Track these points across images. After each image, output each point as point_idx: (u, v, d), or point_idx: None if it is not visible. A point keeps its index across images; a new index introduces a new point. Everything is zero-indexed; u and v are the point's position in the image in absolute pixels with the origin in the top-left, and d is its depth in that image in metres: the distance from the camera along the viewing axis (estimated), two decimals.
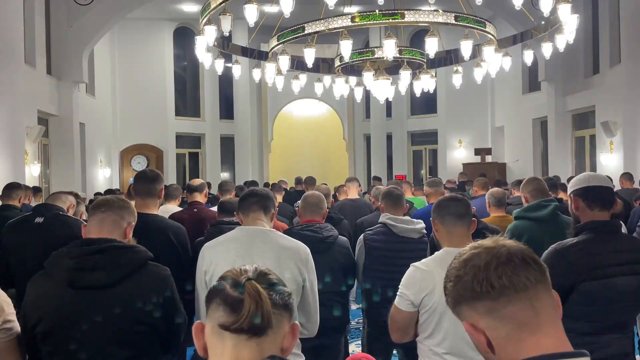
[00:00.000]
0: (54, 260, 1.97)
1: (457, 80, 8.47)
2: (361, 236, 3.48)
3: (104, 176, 13.35)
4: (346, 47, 6.28)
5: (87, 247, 1.95)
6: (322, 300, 2.62)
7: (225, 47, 8.42)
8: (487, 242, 1.03)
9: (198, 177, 11.15)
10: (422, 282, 2.15)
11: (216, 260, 2.28)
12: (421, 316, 2.18)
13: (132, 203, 2.32)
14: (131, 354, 1.93)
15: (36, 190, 7.65)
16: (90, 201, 9.16)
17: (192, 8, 13.45)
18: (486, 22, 6.61)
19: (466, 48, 6.71)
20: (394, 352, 3.54)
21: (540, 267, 0.99)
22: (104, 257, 1.92)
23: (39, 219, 3.33)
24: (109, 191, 8.89)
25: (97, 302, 1.88)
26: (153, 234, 2.83)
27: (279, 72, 7.88)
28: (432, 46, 6.40)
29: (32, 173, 9.32)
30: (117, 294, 1.90)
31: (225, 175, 15.67)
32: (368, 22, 6.16)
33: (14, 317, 1.98)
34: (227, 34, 6.62)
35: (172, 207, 4.67)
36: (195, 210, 4.35)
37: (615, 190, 2.55)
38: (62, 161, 10.78)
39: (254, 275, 1.09)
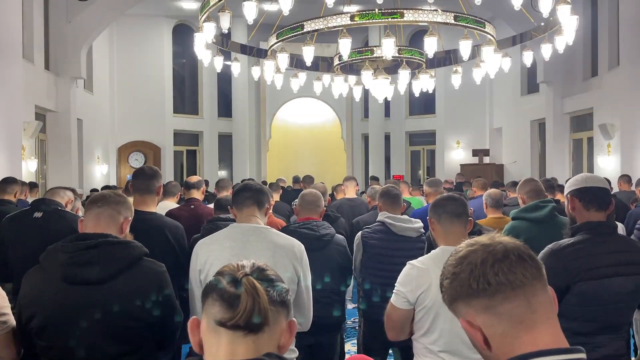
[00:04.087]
0: (49, 255, 1.96)
1: (456, 80, 8.47)
2: (359, 234, 3.48)
3: (101, 172, 13.32)
4: (345, 46, 6.27)
5: (81, 242, 1.94)
6: (318, 298, 2.61)
7: (224, 44, 8.41)
8: (483, 238, 1.02)
9: (195, 175, 11.14)
10: (418, 280, 2.15)
11: (210, 259, 2.27)
12: (417, 314, 2.18)
13: (130, 199, 2.31)
14: (125, 349, 1.92)
15: (32, 185, 7.63)
16: (87, 197, 9.14)
17: (191, 5, 13.44)
18: (485, 23, 6.61)
19: (465, 48, 6.70)
20: (390, 351, 3.55)
21: (536, 264, 0.99)
22: (98, 252, 1.91)
23: (38, 214, 3.33)
24: (106, 188, 8.88)
25: (91, 297, 1.88)
26: (151, 233, 2.82)
27: (278, 70, 7.86)
28: (431, 46, 6.39)
29: (29, 169, 9.30)
30: (111, 289, 1.89)
31: (222, 173, 15.65)
32: (367, 21, 6.15)
33: (8, 311, 1.98)
34: (226, 32, 6.61)
35: (169, 204, 4.67)
36: (193, 207, 4.34)
37: (613, 192, 2.58)
38: (59, 157, 10.75)
39: (251, 271, 1.08)
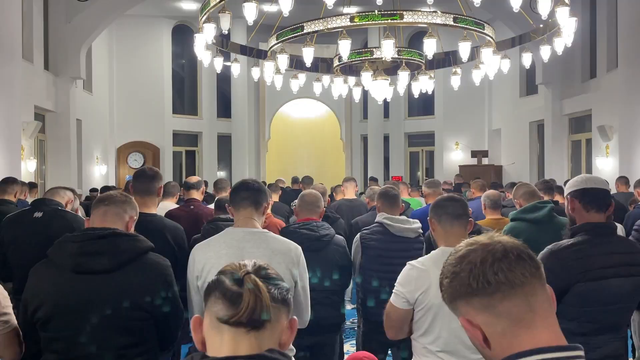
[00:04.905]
0: (57, 247, 2.01)
1: (455, 81, 8.49)
2: (358, 235, 3.49)
3: (100, 173, 13.33)
4: (345, 47, 6.28)
5: (90, 232, 2.01)
6: (318, 299, 2.63)
7: (224, 45, 8.42)
8: (483, 238, 1.03)
9: (194, 175, 11.15)
10: (417, 281, 2.16)
11: (207, 267, 2.27)
12: (416, 314, 2.19)
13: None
14: (129, 341, 1.96)
15: (32, 186, 7.63)
16: (87, 198, 9.14)
17: (190, 6, 13.45)
18: (485, 24, 6.62)
19: (464, 50, 6.72)
20: (389, 351, 3.56)
21: (535, 263, 1.00)
22: (106, 243, 1.97)
23: (38, 214, 3.33)
24: (105, 188, 8.88)
25: (98, 288, 1.92)
26: (151, 234, 2.83)
27: (278, 71, 7.88)
28: (430, 47, 6.41)
29: (28, 169, 9.30)
30: (118, 279, 1.94)
31: (221, 174, 15.65)
32: (367, 22, 6.16)
33: (10, 310, 2.00)
34: (226, 32, 6.61)
35: (169, 204, 4.67)
36: (192, 207, 4.35)
37: (611, 193, 2.60)
38: (59, 157, 10.76)
39: (253, 269, 1.11)
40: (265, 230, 2.44)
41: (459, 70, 8.52)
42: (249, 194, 2.41)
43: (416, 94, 8.92)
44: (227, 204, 2.53)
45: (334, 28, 6.16)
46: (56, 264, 1.98)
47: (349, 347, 4.81)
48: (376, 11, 6.08)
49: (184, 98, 15.92)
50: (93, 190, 10.24)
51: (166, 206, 4.52)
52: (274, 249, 2.33)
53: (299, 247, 2.41)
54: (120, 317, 1.93)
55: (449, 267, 1.04)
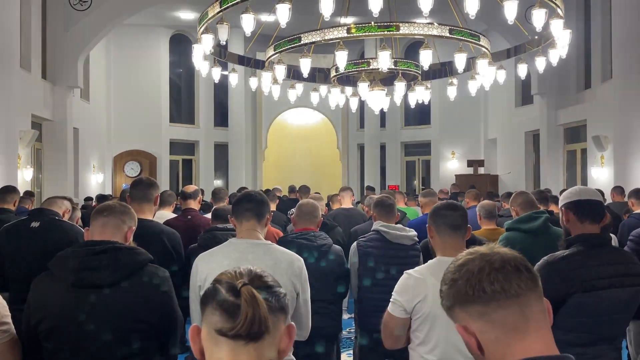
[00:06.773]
0: (59, 261, 2.02)
1: (451, 92, 8.55)
2: (354, 243, 3.51)
3: (96, 181, 13.31)
4: (342, 58, 6.33)
5: (91, 248, 2.02)
6: (315, 309, 2.63)
7: (221, 55, 8.46)
8: (483, 248, 1.07)
9: (191, 184, 11.13)
10: (414, 290, 2.18)
11: (210, 278, 2.27)
12: (413, 323, 2.20)
13: None
14: (130, 351, 1.98)
15: (29, 194, 7.61)
16: (83, 207, 9.12)
17: (188, 15, 13.51)
18: (480, 36, 6.68)
19: (460, 61, 6.78)
20: None
21: (532, 275, 1.03)
22: (106, 257, 1.99)
23: (35, 224, 3.32)
24: (101, 196, 8.87)
25: (99, 301, 1.94)
26: (148, 238, 2.85)
27: (275, 81, 7.92)
28: (426, 58, 6.46)
29: (24, 177, 9.28)
30: (118, 293, 1.96)
31: (218, 183, 15.65)
32: (363, 34, 6.21)
33: (9, 320, 2.00)
34: (224, 43, 6.66)
35: (166, 214, 4.67)
36: (189, 217, 4.35)
37: (606, 203, 2.63)
38: (55, 166, 10.75)
39: (249, 279, 1.09)
40: (269, 242, 2.45)
41: (455, 80, 8.58)
42: (252, 205, 2.42)
43: (412, 104, 8.97)
44: (230, 215, 2.54)
45: (331, 39, 6.20)
46: (57, 277, 1.99)
47: (346, 357, 4.81)
48: (373, 23, 6.12)
49: (181, 107, 15.94)
50: (88, 199, 10.22)
51: (163, 215, 4.53)
52: (277, 261, 2.33)
53: (302, 259, 2.42)
54: (121, 329, 1.95)
55: (448, 274, 1.07)
